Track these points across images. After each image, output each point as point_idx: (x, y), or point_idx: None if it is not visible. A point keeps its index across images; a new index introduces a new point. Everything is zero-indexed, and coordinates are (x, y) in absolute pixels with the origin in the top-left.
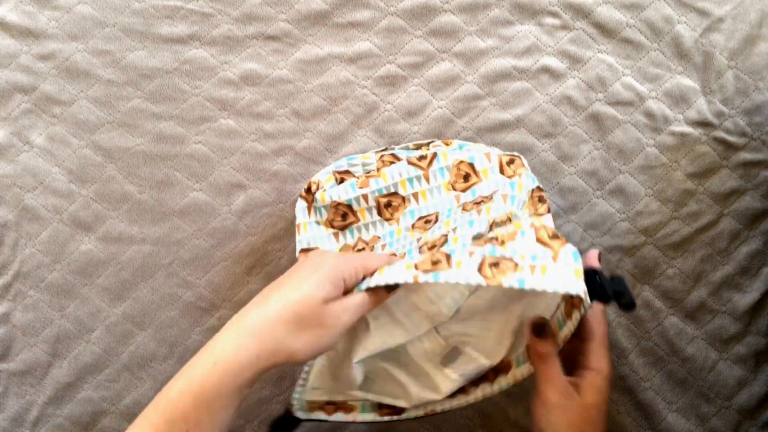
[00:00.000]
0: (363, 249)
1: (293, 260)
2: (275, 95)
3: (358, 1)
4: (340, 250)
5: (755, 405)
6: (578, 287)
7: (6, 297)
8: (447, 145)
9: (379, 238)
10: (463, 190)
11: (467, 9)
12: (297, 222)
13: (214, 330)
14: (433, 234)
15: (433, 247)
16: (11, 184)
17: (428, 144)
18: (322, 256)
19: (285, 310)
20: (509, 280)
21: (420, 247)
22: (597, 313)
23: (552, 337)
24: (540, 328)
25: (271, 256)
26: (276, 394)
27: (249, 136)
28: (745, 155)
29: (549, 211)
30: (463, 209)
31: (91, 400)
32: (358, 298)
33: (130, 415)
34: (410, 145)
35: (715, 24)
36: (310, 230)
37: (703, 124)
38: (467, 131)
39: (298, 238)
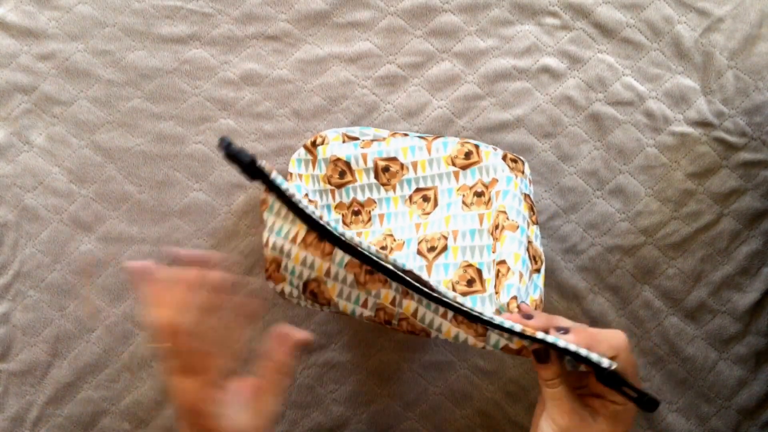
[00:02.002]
0: (358, 211)
1: None
2: (275, 95)
3: (358, 1)
4: (336, 207)
5: (755, 405)
6: (606, 361)
7: (6, 297)
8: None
9: (374, 202)
10: (463, 168)
11: (467, 9)
12: (295, 171)
13: None
14: (432, 228)
15: (432, 249)
16: (11, 184)
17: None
18: None
19: None
20: (552, 338)
21: (419, 242)
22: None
23: (555, 361)
24: (540, 355)
25: None
26: None
27: (249, 136)
28: (745, 155)
29: (537, 222)
30: (463, 202)
31: (91, 400)
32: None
33: (130, 415)
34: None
35: (715, 24)
36: (311, 183)
37: (703, 124)
38: (467, 131)
39: (295, 184)
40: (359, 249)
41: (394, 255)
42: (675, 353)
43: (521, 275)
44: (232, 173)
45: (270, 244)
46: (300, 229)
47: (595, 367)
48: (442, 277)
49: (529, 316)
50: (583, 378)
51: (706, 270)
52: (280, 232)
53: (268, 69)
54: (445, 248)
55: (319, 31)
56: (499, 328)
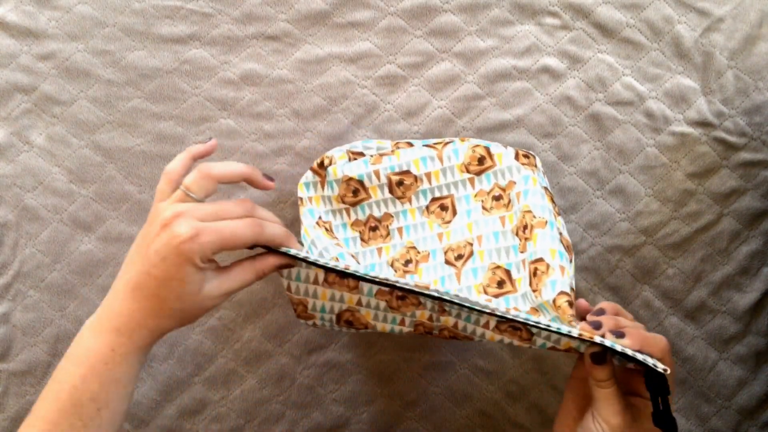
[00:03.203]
0: (376, 227)
1: None
2: (275, 95)
3: (358, 1)
4: (352, 225)
5: (755, 405)
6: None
7: (6, 297)
8: (462, 141)
9: (391, 216)
10: (477, 173)
11: (467, 9)
12: (305, 195)
13: (214, 330)
14: (456, 236)
15: (459, 257)
16: (11, 184)
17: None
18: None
19: None
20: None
21: (445, 252)
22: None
23: (610, 362)
24: (598, 357)
25: None
26: (276, 394)
27: (249, 136)
28: (745, 155)
29: (560, 213)
30: (483, 207)
31: None
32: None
33: (130, 415)
34: (428, 142)
35: (715, 24)
36: (322, 204)
37: (703, 124)
38: (467, 131)
39: (307, 209)
40: (380, 281)
41: (420, 267)
42: (675, 353)
43: (562, 268)
44: None
45: (292, 289)
46: (318, 271)
47: (648, 370)
48: (471, 281)
49: (598, 324)
50: (627, 376)
51: (706, 270)
52: (299, 277)
53: (268, 69)
54: (471, 254)
55: (319, 31)
56: (558, 333)
